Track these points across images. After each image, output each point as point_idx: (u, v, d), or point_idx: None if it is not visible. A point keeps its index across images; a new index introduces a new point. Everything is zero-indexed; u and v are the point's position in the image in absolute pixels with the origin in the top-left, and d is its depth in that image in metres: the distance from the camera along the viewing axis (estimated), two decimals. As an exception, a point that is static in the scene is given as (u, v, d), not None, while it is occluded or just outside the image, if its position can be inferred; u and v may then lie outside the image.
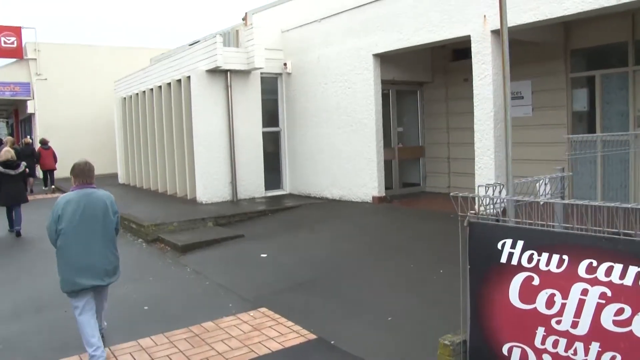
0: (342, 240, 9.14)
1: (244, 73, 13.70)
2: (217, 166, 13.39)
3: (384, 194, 12.06)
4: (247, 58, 13.38)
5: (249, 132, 13.82)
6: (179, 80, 14.71)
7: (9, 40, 25.15)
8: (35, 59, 25.00)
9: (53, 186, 19.70)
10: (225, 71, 13.34)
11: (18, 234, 11.60)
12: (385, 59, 12.05)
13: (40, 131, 24.55)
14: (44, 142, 19.68)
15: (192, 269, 8.21)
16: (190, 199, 14.12)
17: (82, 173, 4.99)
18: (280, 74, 14.60)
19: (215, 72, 13.34)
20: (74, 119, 24.73)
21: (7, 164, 11.32)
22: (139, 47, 26.47)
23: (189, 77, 14.02)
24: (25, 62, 25.26)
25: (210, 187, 13.30)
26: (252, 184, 13.90)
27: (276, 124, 14.74)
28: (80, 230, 4.83)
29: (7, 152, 11.61)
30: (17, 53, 25.34)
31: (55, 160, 19.69)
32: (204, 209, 12.35)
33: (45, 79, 24.90)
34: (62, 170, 22.86)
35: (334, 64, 12.89)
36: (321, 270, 7.52)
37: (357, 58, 12.18)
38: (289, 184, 14.71)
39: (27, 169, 12.04)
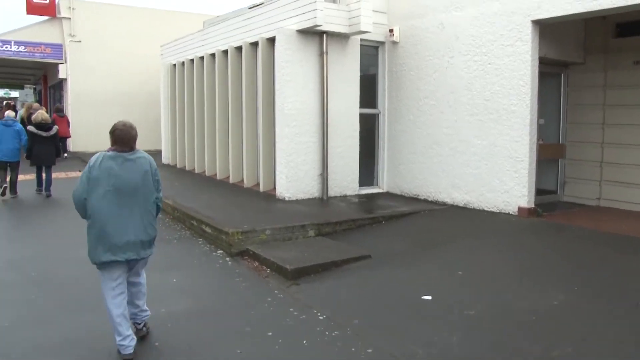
0: (529, 276, 6.24)
1: (342, 38, 10.80)
2: (306, 154, 10.53)
3: (533, 205, 9.14)
4: (349, 19, 10.47)
5: (344, 112, 10.94)
6: (254, 44, 11.85)
7: (41, -5, 22.40)
8: (70, 18, 22.20)
9: (66, 154, 19.25)
10: (321, 33, 10.45)
11: (48, 196, 11.91)
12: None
13: (72, 99, 21.95)
14: (59, 110, 19.56)
15: (324, 314, 5.37)
16: (264, 191, 11.29)
17: (121, 140, 4.42)
18: (383, 43, 11.64)
19: (307, 33, 10.45)
20: (110, 86, 21.97)
21: (40, 125, 11.56)
22: (187, 12, 23.62)
23: (271, 40, 11.17)
24: (58, 21, 22.48)
25: (295, 180, 10.45)
26: (345, 179, 11.03)
27: (373, 104, 11.81)
28: (116, 196, 4.31)
29: (41, 113, 11.77)
30: (49, 10, 22.56)
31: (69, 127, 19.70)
32: (291, 209, 9.51)
33: (80, 41, 22.11)
34: (93, 145, 20.43)
35: (466, 32, 9.92)
36: (550, 336, 4.65)
37: (506, 25, 9.21)
38: (386, 180, 11.80)
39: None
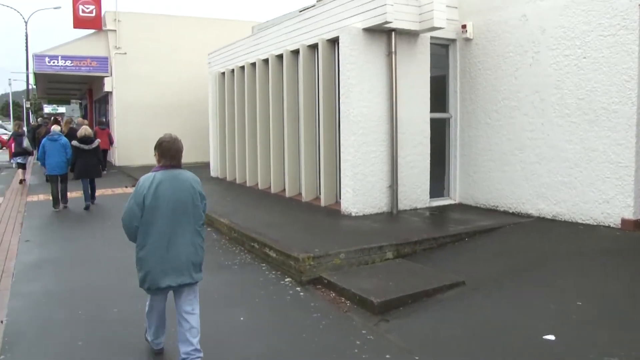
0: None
1: (411, 36, 9.81)
2: (373, 164, 9.55)
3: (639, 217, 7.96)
4: (419, 15, 9.46)
5: (413, 118, 9.92)
6: (313, 46, 10.96)
7: (87, 9, 22.13)
8: (115, 31, 21.80)
9: (105, 171, 18.25)
10: (389, 31, 9.48)
11: (92, 202, 12.36)
12: None
13: (117, 112, 21.51)
14: (101, 123, 19.74)
15: (432, 364, 4.36)
16: (325, 206, 10.34)
17: (169, 153, 4.19)
18: (454, 41, 10.58)
19: (374, 32, 9.50)
20: (156, 97, 21.47)
21: (83, 139, 11.94)
22: (232, 20, 22.98)
23: (333, 40, 10.29)
24: (103, 33, 22.16)
25: (362, 193, 9.47)
26: (415, 190, 10.00)
27: (443, 108, 10.75)
28: (166, 218, 4.09)
29: (85, 129, 12.22)
30: (95, 23, 22.27)
31: (111, 142, 19.69)
32: (361, 226, 8.53)
33: (125, 53, 21.66)
34: (139, 158, 19.84)
35: (554, 23, 8.79)
36: None
37: (606, 13, 8.05)
38: (459, 191, 10.70)
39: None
